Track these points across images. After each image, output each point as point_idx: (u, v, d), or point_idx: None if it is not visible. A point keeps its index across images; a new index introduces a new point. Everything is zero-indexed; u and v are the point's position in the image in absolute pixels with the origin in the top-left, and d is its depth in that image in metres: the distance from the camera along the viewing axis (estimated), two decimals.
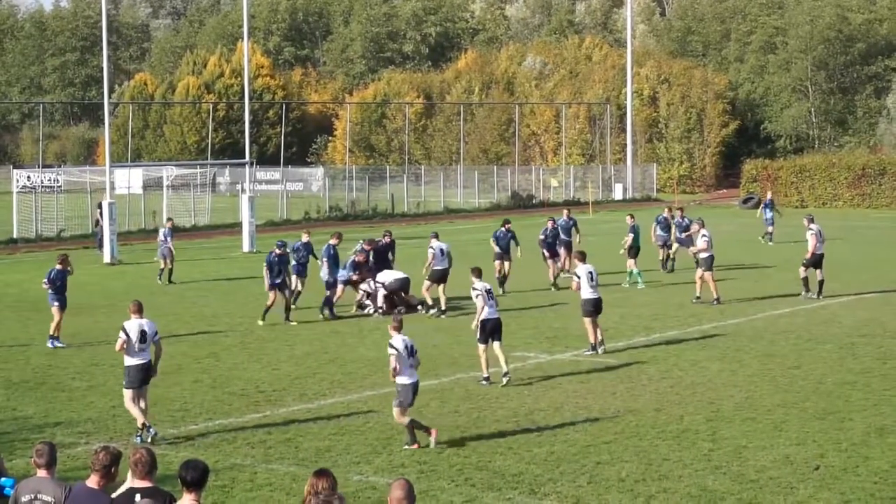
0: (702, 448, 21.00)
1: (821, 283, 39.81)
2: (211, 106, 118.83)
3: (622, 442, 21.46)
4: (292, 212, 78.80)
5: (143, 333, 21.92)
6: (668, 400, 24.73)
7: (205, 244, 63.14)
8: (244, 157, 68.01)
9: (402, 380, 21.41)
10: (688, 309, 37.84)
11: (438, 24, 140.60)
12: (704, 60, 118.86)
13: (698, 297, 38.94)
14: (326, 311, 36.86)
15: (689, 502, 18.03)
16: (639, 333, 33.23)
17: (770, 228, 60.28)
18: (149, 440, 21.21)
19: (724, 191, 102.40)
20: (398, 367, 21.31)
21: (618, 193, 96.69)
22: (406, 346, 21.52)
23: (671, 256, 48.59)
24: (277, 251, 35.84)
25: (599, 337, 30.16)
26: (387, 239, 40.82)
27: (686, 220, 48.01)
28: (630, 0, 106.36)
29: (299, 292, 37.90)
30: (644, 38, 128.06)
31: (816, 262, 39.73)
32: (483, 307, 26.46)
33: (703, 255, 38.97)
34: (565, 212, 48.44)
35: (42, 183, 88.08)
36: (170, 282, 45.56)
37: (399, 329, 21.87)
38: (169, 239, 46.29)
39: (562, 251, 44.66)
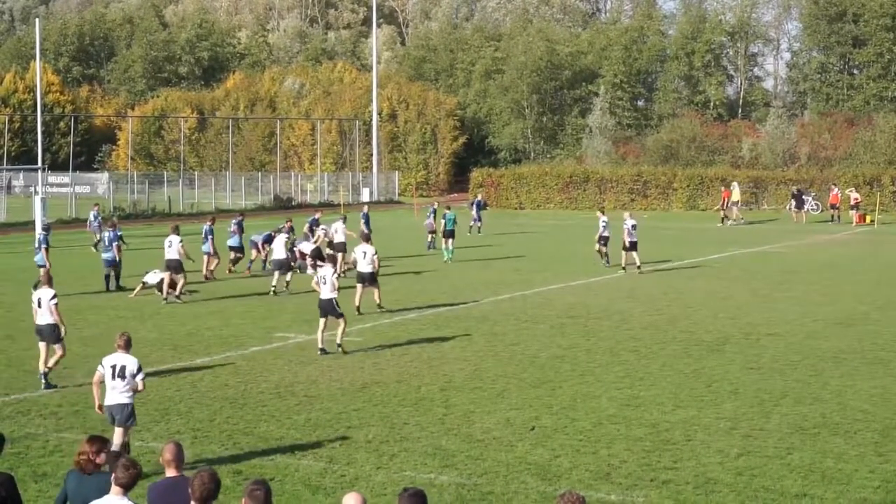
0: (437, 413, 21.12)
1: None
2: (7, 118, 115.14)
3: (369, 409, 21.45)
4: (80, 212, 76.77)
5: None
6: (408, 372, 24.80)
7: (1, 240, 61.08)
8: (37, 164, 66.30)
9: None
10: (428, 295, 38.04)
11: (210, 49, 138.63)
12: (437, 84, 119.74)
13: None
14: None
15: (426, 459, 18.10)
16: (383, 316, 33.29)
17: (478, 223, 64.81)
18: None
19: (456, 194, 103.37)
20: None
21: (365, 196, 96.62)
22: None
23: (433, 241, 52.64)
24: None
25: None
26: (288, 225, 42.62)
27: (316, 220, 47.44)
28: (375, 31, 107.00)
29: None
30: (387, 64, 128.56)
31: (631, 247, 43.57)
32: None
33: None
34: (365, 207, 48.99)
35: None
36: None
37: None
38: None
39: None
